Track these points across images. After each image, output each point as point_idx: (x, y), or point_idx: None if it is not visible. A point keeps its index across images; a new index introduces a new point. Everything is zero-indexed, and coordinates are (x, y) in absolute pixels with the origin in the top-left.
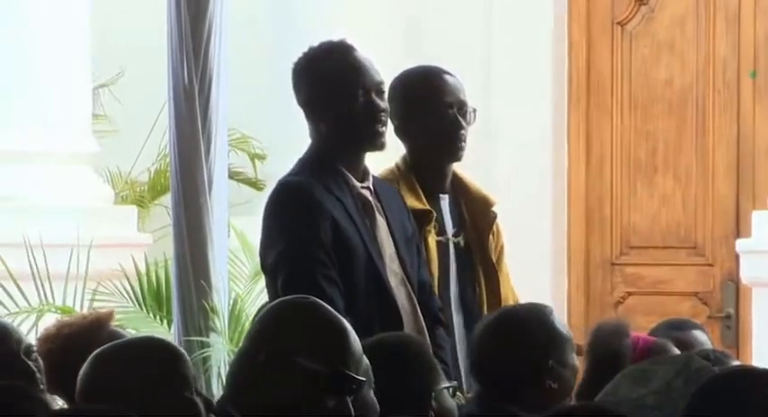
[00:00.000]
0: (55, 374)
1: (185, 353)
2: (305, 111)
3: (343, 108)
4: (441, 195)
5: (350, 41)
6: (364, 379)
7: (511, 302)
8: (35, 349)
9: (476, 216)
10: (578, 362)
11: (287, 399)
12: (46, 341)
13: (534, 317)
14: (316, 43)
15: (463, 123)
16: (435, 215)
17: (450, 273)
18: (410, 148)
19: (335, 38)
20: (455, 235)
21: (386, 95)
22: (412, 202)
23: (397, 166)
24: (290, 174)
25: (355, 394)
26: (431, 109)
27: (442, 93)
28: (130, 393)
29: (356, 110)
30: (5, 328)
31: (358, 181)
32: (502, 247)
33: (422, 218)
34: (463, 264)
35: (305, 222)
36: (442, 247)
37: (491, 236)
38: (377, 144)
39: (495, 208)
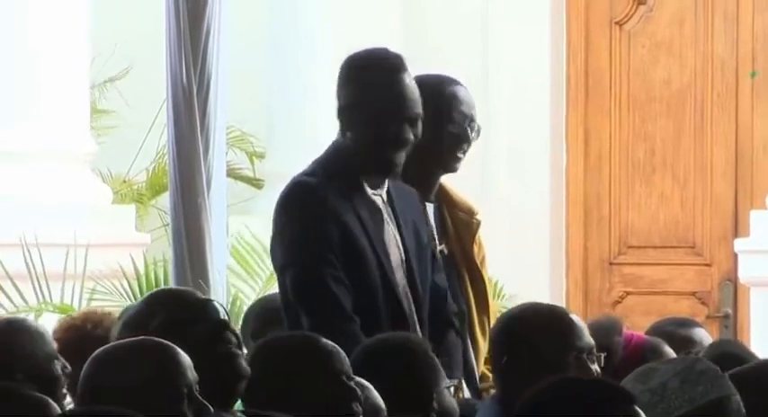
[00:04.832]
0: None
1: (181, 354)
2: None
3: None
4: (427, 203)
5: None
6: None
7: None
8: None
9: (460, 225)
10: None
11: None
12: (88, 320)
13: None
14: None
15: (469, 136)
16: None
17: None
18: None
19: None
20: (439, 243)
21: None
22: None
23: None
24: (304, 174)
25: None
26: (439, 119)
27: (453, 104)
28: (127, 394)
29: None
30: (39, 332)
31: (371, 187)
32: (483, 257)
33: None
34: (448, 273)
35: (314, 223)
36: None
37: (474, 246)
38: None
39: (486, 212)
